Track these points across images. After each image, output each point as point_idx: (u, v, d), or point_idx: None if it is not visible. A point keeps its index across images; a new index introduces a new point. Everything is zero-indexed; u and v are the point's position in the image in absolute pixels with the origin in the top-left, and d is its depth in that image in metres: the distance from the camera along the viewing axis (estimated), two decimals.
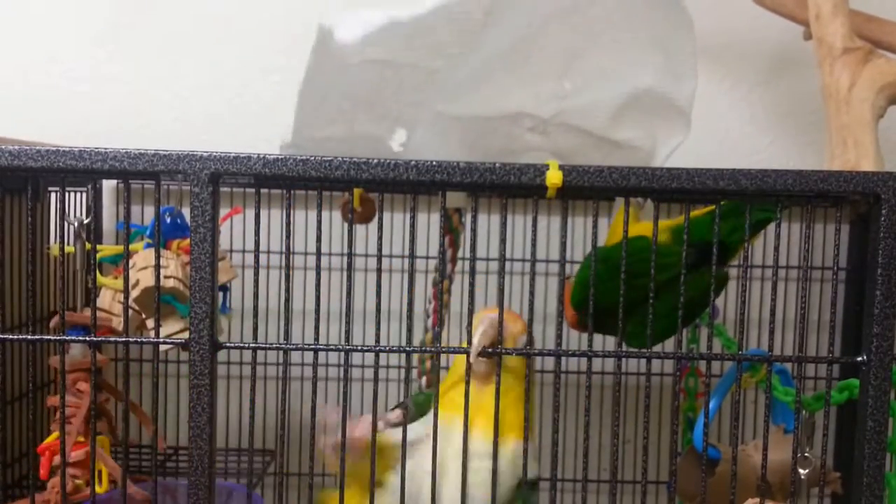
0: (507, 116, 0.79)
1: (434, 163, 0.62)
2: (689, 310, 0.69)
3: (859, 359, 0.62)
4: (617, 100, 0.79)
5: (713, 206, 0.65)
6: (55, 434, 0.85)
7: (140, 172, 0.61)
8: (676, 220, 0.88)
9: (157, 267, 0.65)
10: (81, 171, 0.61)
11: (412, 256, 0.68)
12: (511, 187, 0.63)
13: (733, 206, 0.80)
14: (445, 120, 0.78)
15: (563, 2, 0.75)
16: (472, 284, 0.67)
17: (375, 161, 0.62)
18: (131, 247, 0.85)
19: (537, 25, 0.76)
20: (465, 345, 0.70)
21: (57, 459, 0.83)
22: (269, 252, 1.13)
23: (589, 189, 0.63)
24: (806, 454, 0.66)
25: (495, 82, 0.78)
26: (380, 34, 0.72)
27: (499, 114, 0.79)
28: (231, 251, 1.15)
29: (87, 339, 0.65)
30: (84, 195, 1.14)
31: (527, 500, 0.77)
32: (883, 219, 0.61)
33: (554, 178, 0.62)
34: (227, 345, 0.65)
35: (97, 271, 0.80)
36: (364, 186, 0.66)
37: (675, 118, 0.80)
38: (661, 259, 0.65)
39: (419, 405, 0.81)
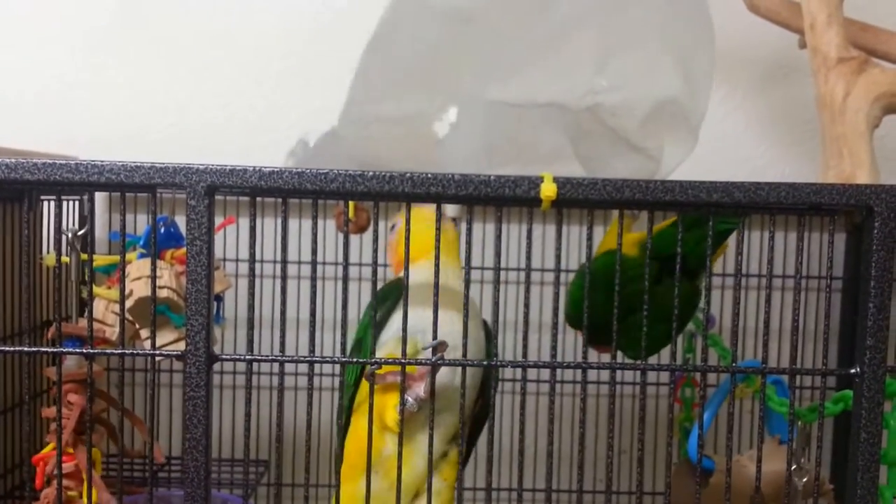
0: (540, 106, 0.79)
1: (429, 175, 0.63)
2: (663, 324, 0.69)
3: (853, 371, 0.63)
4: (647, 105, 0.79)
5: (675, 218, 0.66)
6: (51, 445, 0.85)
7: (136, 185, 0.61)
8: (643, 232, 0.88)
9: (154, 278, 0.65)
10: (78, 184, 0.61)
11: (407, 265, 0.68)
12: (506, 200, 0.63)
13: (697, 217, 0.80)
14: (489, 106, 0.77)
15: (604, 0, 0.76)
16: (466, 295, 0.67)
17: (371, 174, 0.62)
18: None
19: (578, 18, 0.76)
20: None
21: (48, 470, 0.83)
22: (262, 261, 1.12)
23: (583, 201, 0.63)
24: (802, 465, 0.66)
25: (533, 70, 0.77)
26: None
27: (532, 103, 0.78)
28: (224, 260, 1.15)
29: (84, 350, 0.65)
30: (76, 203, 1.14)
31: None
32: (876, 231, 0.61)
33: (548, 190, 0.62)
34: (223, 357, 0.65)
35: (89, 281, 0.80)
36: (359, 199, 0.66)
37: (686, 135, 0.80)
38: (630, 272, 0.65)
39: (388, 293, 0.82)
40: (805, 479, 0.79)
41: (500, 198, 0.63)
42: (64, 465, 0.82)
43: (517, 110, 0.78)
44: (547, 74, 0.78)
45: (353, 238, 1.10)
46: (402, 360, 0.67)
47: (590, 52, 0.77)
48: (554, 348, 0.67)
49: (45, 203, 1.10)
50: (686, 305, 0.79)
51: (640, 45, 0.78)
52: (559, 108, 0.78)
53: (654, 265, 0.67)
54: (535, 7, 0.74)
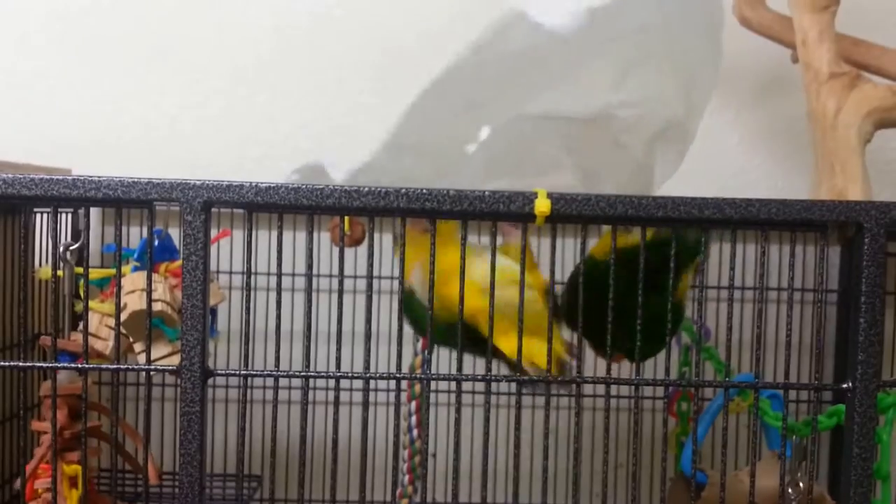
0: (554, 119, 0.79)
1: (424, 191, 0.63)
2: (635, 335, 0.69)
3: (845, 386, 0.63)
4: (657, 124, 0.79)
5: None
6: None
7: (133, 201, 0.62)
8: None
9: (149, 293, 0.65)
10: (75, 199, 0.61)
11: (402, 278, 0.69)
12: (500, 215, 0.64)
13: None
14: (512, 120, 0.78)
15: (627, 23, 0.76)
16: (461, 309, 0.68)
17: (366, 189, 0.63)
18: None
19: (600, 39, 0.76)
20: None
21: (37, 484, 0.83)
22: (256, 273, 1.12)
23: (577, 217, 0.64)
24: (799, 483, 0.66)
25: (554, 85, 0.78)
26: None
27: (550, 116, 0.79)
28: (218, 272, 1.15)
29: (79, 366, 0.65)
30: (69, 216, 1.14)
31: None
32: (866, 247, 0.62)
33: (542, 206, 0.63)
34: (219, 372, 0.65)
35: (85, 295, 0.80)
36: (355, 214, 0.67)
37: (674, 157, 0.80)
38: (603, 279, 0.66)
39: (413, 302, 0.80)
40: (801, 495, 0.79)
41: (495, 213, 0.63)
42: (42, 481, 0.82)
43: (534, 122, 0.78)
44: (568, 89, 0.78)
45: (348, 250, 1.10)
46: (397, 375, 0.68)
47: (610, 70, 0.78)
48: (549, 363, 0.68)
49: (37, 215, 1.10)
50: (659, 320, 0.75)
51: (655, 68, 0.78)
52: (571, 121, 0.79)
53: (625, 275, 0.67)
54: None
